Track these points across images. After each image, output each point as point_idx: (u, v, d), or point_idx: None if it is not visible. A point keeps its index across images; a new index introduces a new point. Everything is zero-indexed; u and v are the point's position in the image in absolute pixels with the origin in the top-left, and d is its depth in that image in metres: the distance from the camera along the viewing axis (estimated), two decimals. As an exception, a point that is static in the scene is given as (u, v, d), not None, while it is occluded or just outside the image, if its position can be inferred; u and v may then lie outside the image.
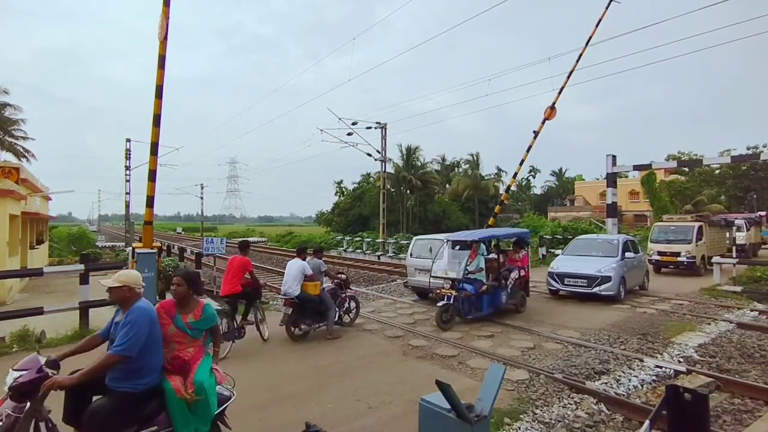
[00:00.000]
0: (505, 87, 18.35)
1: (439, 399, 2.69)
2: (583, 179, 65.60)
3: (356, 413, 4.47)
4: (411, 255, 11.71)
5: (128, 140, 31.95)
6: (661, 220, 18.81)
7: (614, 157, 17.37)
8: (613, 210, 17.64)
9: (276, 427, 4.09)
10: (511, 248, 10.55)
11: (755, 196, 49.19)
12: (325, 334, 7.31)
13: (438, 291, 8.36)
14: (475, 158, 54.01)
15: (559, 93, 16.28)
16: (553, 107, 16.39)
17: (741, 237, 20.87)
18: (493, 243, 10.18)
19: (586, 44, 16.05)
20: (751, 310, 9.74)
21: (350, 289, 8.67)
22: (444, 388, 2.57)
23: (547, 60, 16.67)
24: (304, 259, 7.48)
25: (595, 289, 10.15)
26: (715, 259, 14.14)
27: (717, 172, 51.24)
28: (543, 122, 16.57)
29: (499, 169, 60.35)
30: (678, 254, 15.80)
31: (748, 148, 48.86)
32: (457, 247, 9.84)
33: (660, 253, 16.42)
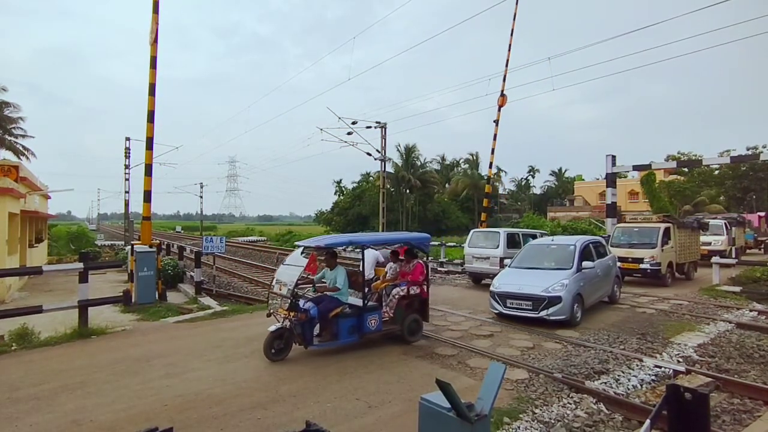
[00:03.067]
0: (505, 87, 18.30)
1: (439, 398, 2.69)
2: (583, 179, 65.64)
3: (356, 412, 4.47)
4: (469, 245, 14.03)
5: (128, 139, 31.89)
6: (624, 221, 16.51)
7: (614, 157, 17.39)
8: (612, 210, 17.64)
9: (276, 426, 4.09)
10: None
11: (754, 196, 49.25)
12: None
13: (272, 312, 6.31)
14: (474, 158, 54.06)
15: (504, 80, 17.74)
16: (503, 95, 17.70)
17: (719, 242, 18.71)
18: (396, 249, 7.94)
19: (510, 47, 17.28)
20: (750, 310, 9.75)
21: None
22: (444, 387, 2.56)
23: (547, 60, 16.68)
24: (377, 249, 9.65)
25: (542, 313, 7.81)
26: (714, 259, 14.15)
27: (716, 172, 51.28)
28: (498, 110, 17.87)
29: (499, 169, 60.38)
30: (640, 260, 13.29)
31: (748, 149, 48.92)
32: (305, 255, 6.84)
33: (621, 259, 13.19)
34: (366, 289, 6.84)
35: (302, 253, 6.88)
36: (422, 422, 2.83)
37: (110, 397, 4.78)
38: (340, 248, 8.39)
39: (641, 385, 5.43)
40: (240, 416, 4.35)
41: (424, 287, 7.32)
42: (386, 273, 7.84)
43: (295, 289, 6.07)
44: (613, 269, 10.17)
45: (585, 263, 8.63)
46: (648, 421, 2.23)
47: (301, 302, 6.22)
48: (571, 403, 4.79)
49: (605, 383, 5.36)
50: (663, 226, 13.73)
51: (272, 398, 4.78)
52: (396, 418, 4.36)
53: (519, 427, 4.21)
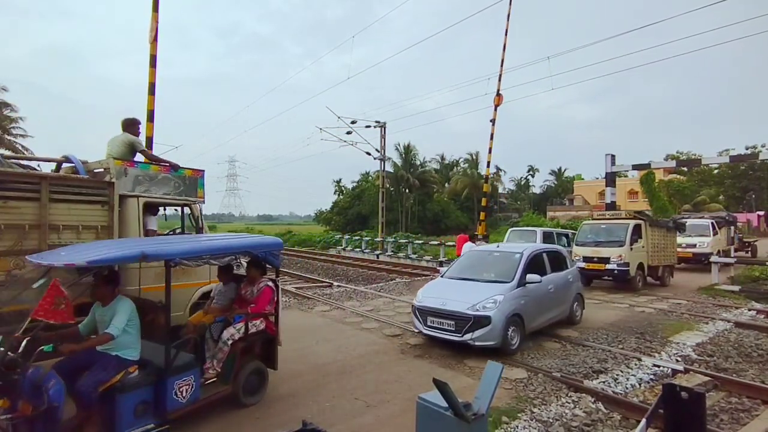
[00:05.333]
0: (505, 86, 18.37)
1: (436, 397, 2.69)
2: (582, 179, 65.63)
3: (354, 412, 4.48)
4: (507, 242, 14.18)
5: (127, 138, 31.83)
6: (592, 217, 14.90)
7: (613, 156, 17.40)
8: (611, 209, 17.65)
9: (274, 426, 4.09)
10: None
11: (753, 195, 49.31)
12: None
13: None
14: (474, 157, 54.04)
15: (499, 79, 17.65)
16: (499, 94, 17.60)
17: (705, 243, 16.76)
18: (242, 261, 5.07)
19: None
20: (749, 309, 9.78)
21: None
22: (441, 386, 2.56)
23: (547, 59, 16.69)
24: (473, 241, 11.11)
25: (466, 337, 6.14)
26: (713, 258, 14.14)
27: (716, 171, 51.37)
28: (495, 109, 17.90)
29: (498, 168, 60.36)
30: (607, 260, 11.92)
31: (747, 148, 49.00)
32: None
33: (586, 259, 12.31)
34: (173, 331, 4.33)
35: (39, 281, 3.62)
36: (420, 421, 2.83)
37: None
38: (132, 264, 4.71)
39: (640, 385, 5.44)
40: (238, 415, 4.35)
41: (271, 319, 4.84)
42: (212, 299, 5.12)
43: (8, 353, 3.11)
44: (572, 285, 8.20)
45: (531, 276, 6.87)
46: (644, 420, 2.24)
47: (29, 376, 3.11)
48: (569, 403, 4.80)
49: (604, 382, 5.37)
50: (632, 222, 12.35)
51: (271, 398, 4.78)
52: (395, 418, 4.37)
53: (517, 427, 4.22)
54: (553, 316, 7.51)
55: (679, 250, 16.41)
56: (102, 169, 5.28)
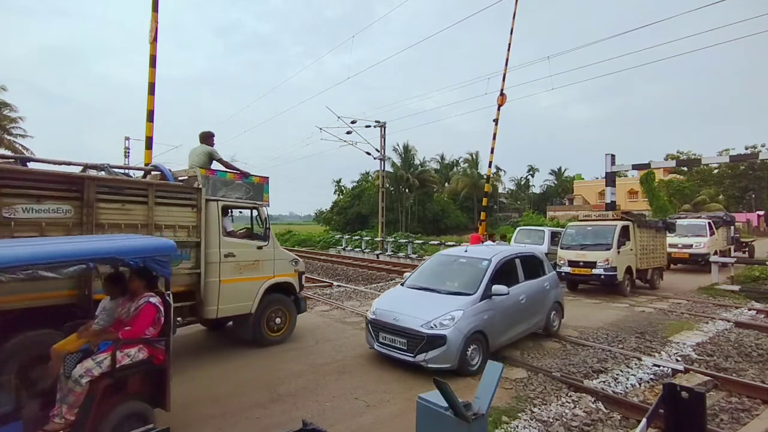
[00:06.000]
0: (506, 85, 18.31)
1: (436, 397, 2.69)
2: (582, 178, 65.62)
3: (354, 411, 4.47)
4: (514, 242, 15.14)
5: (127, 138, 31.87)
6: (578, 219, 14.18)
7: (613, 156, 17.38)
8: (611, 209, 17.65)
9: (274, 426, 4.09)
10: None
11: (753, 195, 49.34)
12: None
13: None
14: (474, 157, 54.03)
15: (503, 79, 17.52)
16: (502, 94, 17.46)
17: (701, 244, 16.29)
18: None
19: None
20: (749, 309, 9.78)
21: None
22: (441, 386, 2.56)
23: (546, 59, 16.70)
24: (494, 240, 11.88)
25: (419, 358, 5.40)
26: (713, 258, 14.13)
27: (715, 171, 51.38)
28: (498, 109, 17.74)
29: (498, 168, 60.37)
30: (594, 264, 11.32)
31: (747, 148, 49.00)
32: None
33: (572, 263, 11.78)
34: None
35: None
36: (420, 421, 2.83)
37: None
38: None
39: (640, 384, 5.44)
40: (238, 415, 4.35)
41: (158, 346, 3.78)
42: (97, 318, 4.02)
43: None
44: (550, 294, 7.33)
45: (497, 288, 5.98)
46: (644, 420, 2.24)
47: None
48: (569, 402, 4.80)
49: (604, 382, 5.38)
50: (620, 224, 11.75)
51: (271, 398, 4.79)
52: (395, 418, 4.37)
53: (517, 426, 4.22)
54: (525, 329, 6.69)
55: (675, 250, 16.36)
56: (186, 177, 6.12)
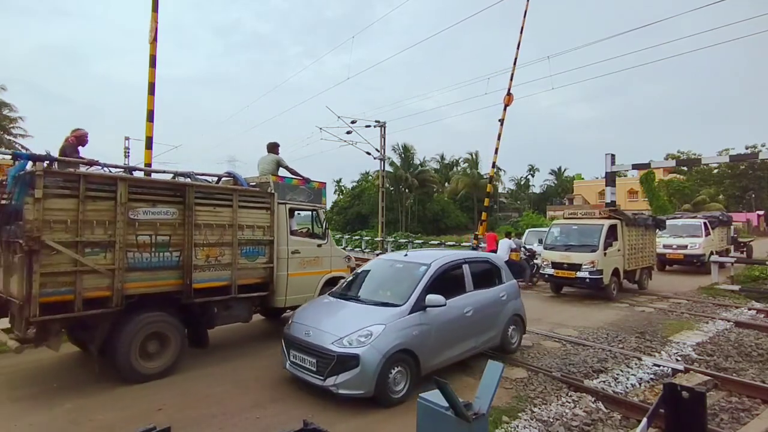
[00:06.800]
0: (504, 86, 18.30)
1: (437, 397, 2.70)
2: (582, 178, 65.64)
3: (355, 410, 4.47)
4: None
5: (127, 138, 31.86)
6: (563, 217, 13.06)
7: (613, 156, 17.38)
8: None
9: (274, 426, 4.09)
10: None
11: (753, 195, 49.36)
12: None
13: None
14: (474, 157, 54.03)
15: (511, 79, 17.30)
16: (509, 93, 17.26)
17: (696, 244, 15.85)
18: None
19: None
20: (749, 309, 9.78)
21: (537, 257, 12.60)
22: (442, 386, 2.57)
23: (546, 59, 16.68)
24: (510, 238, 12.46)
25: (329, 381, 4.51)
26: (713, 258, 14.13)
27: (715, 171, 51.40)
28: (504, 109, 17.62)
29: (498, 168, 60.37)
30: (578, 267, 10.58)
31: (747, 148, 49.00)
32: None
33: (555, 266, 11.07)
34: None
35: None
36: (420, 421, 2.83)
37: (110, 396, 4.78)
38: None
39: (640, 384, 5.44)
40: (238, 415, 4.35)
41: None
42: None
43: None
44: (507, 305, 6.28)
45: (432, 298, 5.00)
46: (645, 420, 2.24)
47: None
48: (569, 402, 4.80)
49: (604, 382, 5.38)
50: (607, 223, 10.93)
51: (272, 397, 4.78)
52: (395, 417, 4.36)
53: (518, 426, 4.22)
54: (471, 347, 5.67)
55: (669, 251, 16.08)
56: (257, 183, 6.89)
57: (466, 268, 5.96)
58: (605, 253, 10.60)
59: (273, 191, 6.65)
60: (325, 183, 7.79)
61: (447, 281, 5.51)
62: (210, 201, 5.78)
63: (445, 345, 5.26)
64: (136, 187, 5.16)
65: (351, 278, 6.27)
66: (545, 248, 11.78)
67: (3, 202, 5.11)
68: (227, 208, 5.95)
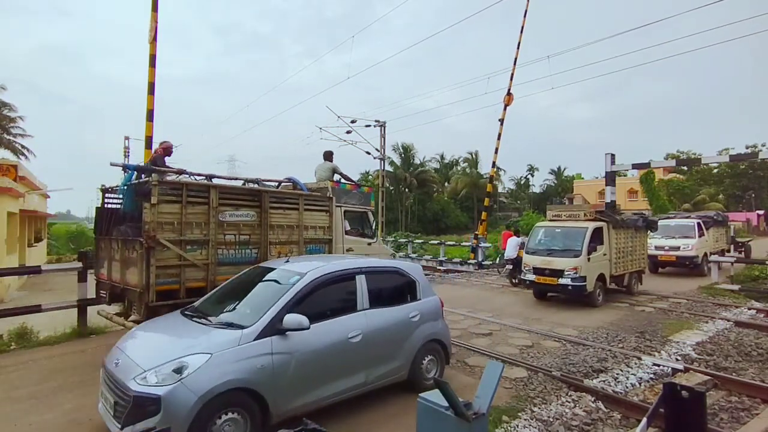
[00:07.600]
0: (504, 85, 18.31)
1: (437, 397, 2.70)
2: (582, 178, 65.65)
3: (355, 411, 4.47)
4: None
5: (127, 138, 31.90)
6: (547, 219, 11.97)
7: (613, 155, 17.37)
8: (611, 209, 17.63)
9: (274, 426, 4.08)
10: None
11: (753, 195, 49.37)
12: None
13: None
14: (474, 157, 54.09)
15: (511, 79, 17.46)
16: (509, 93, 17.37)
17: (689, 246, 15.21)
18: None
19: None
20: (749, 308, 9.78)
21: None
22: (442, 385, 2.57)
23: (546, 58, 16.70)
24: (518, 236, 13.03)
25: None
26: (712, 257, 14.11)
27: (715, 171, 51.42)
28: (504, 109, 17.61)
29: (498, 168, 60.33)
30: (561, 273, 9.85)
31: (747, 147, 49.04)
32: None
33: (537, 271, 10.34)
34: None
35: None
36: (420, 421, 2.84)
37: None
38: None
39: (640, 384, 5.44)
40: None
41: None
42: None
43: None
44: (419, 329, 4.86)
45: (292, 319, 3.80)
46: (645, 419, 2.24)
47: None
48: (569, 402, 4.80)
49: (604, 381, 5.38)
50: (592, 225, 10.19)
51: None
52: (394, 417, 4.36)
53: (517, 426, 4.22)
54: (359, 383, 4.36)
55: (661, 253, 15.56)
56: (316, 188, 7.71)
57: (361, 279, 4.63)
58: (589, 258, 9.87)
59: (331, 195, 7.39)
60: (372, 188, 8.99)
61: (329, 297, 4.39)
62: (281, 204, 6.55)
63: (312, 382, 3.98)
64: (224, 193, 5.93)
65: (216, 290, 4.98)
66: (527, 252, 10.98)
67: (116, 206, 6.19)
68: (294, 210, 6.70)
